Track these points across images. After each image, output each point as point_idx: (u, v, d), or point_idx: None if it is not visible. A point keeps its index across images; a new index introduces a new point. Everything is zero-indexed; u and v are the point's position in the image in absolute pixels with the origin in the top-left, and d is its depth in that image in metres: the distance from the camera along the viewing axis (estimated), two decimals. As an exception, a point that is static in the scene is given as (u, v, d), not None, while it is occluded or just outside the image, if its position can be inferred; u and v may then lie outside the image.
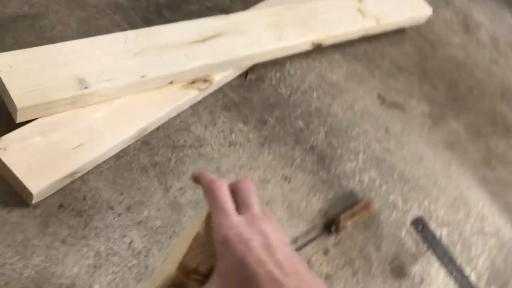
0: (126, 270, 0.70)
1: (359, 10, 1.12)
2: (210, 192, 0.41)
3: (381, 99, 1.14)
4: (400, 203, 0.98)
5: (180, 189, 0.81)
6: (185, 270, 0.42)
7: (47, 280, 0.65)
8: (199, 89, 0.87)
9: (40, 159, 0.68)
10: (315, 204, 0.89)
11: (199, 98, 0.90)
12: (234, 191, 0.42)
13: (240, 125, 0.93)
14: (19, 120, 0.70)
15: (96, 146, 0.73)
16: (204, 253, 0.42)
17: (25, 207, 0.70)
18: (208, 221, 0.43)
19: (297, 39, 0.98)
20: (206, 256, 0.42)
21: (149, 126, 0.80)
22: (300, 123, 0.99)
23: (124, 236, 0.73)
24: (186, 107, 0.88)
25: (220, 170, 0.86)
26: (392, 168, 1.02)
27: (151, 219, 0.76)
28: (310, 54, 1.11)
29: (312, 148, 0.96)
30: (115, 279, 0.69)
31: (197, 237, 0.42)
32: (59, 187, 0.71)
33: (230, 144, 0.90)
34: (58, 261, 0.67)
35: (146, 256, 0.73)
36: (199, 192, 0.82)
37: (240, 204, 0.41)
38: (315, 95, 1.06)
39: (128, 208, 0.76)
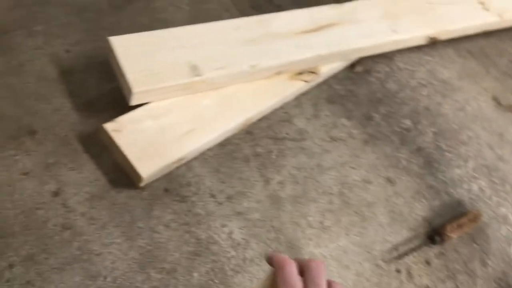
0: (225, 261, 0.70)
1: (481, 3, 1.03)
2: (280, 268, 0.43)
3: (497, 101, 1.05)
4: (511, 217, 0.90)
5: (280, 182, 0.79)
6: None
7: (150, 263, 0.67)
8: (305, 81, 0.84)
9: (151, 143, 0.69)
10: (419, 211, 0.84)
11: (304, 89, 0.87)
12: (304, 270, 0.44)
13: (344, 120, 0.89)
14: (132, 103, 0.71)
15: (204, 133, 0.72)
16: None
17: (133, 188, 0.72)
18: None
19: (413, 32, 0.92)
20: None
21: (255, 116, 0.79)
22: (407, 122, 0.93)
23: (225, 225, 0.73)
24: (291, 98, 0.85)
25: (321, 166, 0.83)
26: (505, 178, 0.94)
27: (251, 210, 0.75)
28: (422, 48, 1.04)
29: (419, 150, 0.91)
30: (213, 269, 0.69)
31: None
32: (166, 172, 0.72)
33: (332, 139, 0.86)
34: (161, 245, 0.68)
35: (245, 248, 0.72)
36: (299, 188, 0.80)
37: (308, 283, 0.43)
38: (424, 92, 0.99)
39: (229, 198, 0.75)
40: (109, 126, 0.68)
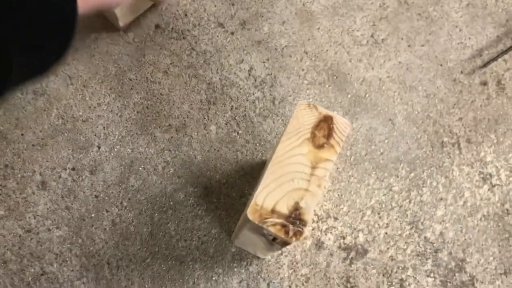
0: (248, 105, 0.54)
1: None
2: None
3: None
4: None
5: (311, -8, 0.58)
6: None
7: (152, 122, 0.52)
8: None
9: None
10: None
11: None
12: None
13: None
14: None
15: None
16: None
17: (114, 31, 0.55)
18: None
19: None
20: None
21: None
22: None
23: (241, 61, 0.55)
24: None
25: (366, -41, 0.60)
26: None
27: (274, 36, 0.57)
28: None
29: None
30: (234, 116, 0.53)
31: None
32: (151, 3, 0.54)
33: None
34: (163, 98, 0.53)
35: (272, 86, 0.55)
36: (337, -6, 0.59)
37: None
38: None
39: (243, 24, 0.57)
40: None
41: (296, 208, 0.34)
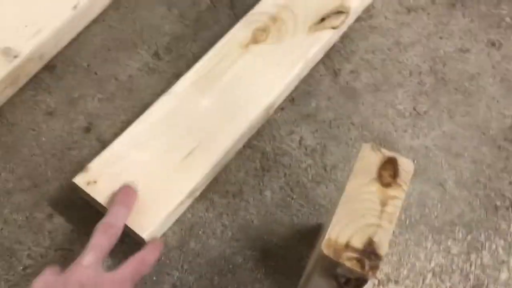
0: (301, 172, 0.56)
1: None
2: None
3: None
4: None
5: (352, 71, 0.63)
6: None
7: (212, 187, 0.54)
8: (334, 27, 0.61)
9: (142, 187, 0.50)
10: (542, 72, 0.64)
11: (335, 39, 0.66)
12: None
13: (419, -14, 0.70)
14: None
15: (211, 150, 0.55)
16: None
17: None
18: None
19: None
20: None
21: (277, 100, 0.59)
22: (503, -29, 0.73)
23: (292, 132, 0.59)
24: (319, 57, 0.64)
25: (401, 43, 0.66)
26: None
27: (321, 110, 0.60)
28: None
29: (525, 0, 0.70)
30: (288, 182, 0.55)
31: None
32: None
33: (408, 10, 0.68)
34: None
35: (323, 154, 0.58)
36: (378, 74, 0.63)
37: None
38: None
39: (292, 101, 0.61)
40: (81, 179, 0.50)
41: (370, 243, 0.35)
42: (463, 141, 0.59)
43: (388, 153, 0.39)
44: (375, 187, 0.37)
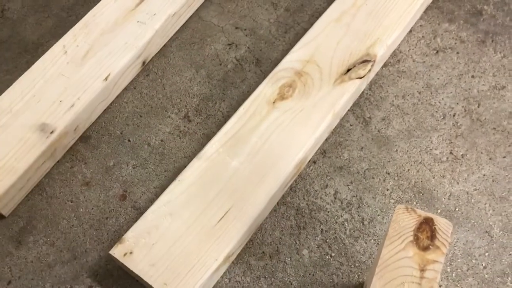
0: (338, 227, 0.55)
1: None
2: None
3: None
4: None
5: (383, 119, 0.62)
6: None
7: (248, 249, 0.54)
8: (360, 77, 0.61)
9: (176, 256, 0.51)
10: None
11: (362, 89, 0.65)
12: None
13: (445, 25, 0.69)
14: None
15: (244, 211, 0.53)
16: None
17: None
18: None
19: None
20: None
21: (308, 154, 0.59)
22: (532, 3, 0.71)
23: (326, 186, 0.58)
24: (348, 107, 0.63)
25: (432, 85, 0.64)
26: None
27: (355, 161, 0.59)
28: None
29: (558, 30, 0.68)
30: (326, 239, 0.54)
31: None
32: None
33: (437, 51, 0.67)
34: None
35: (359, 207, 0.56)
36: (410, 119, 0.62)
37: None
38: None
39: (323, 153, 0.60)
40: (117, 251, 0.51)
41: None
42: (506, 183, 0.57)
43: (424, 214, 0.38)
44: (412, 251, 0.36)
